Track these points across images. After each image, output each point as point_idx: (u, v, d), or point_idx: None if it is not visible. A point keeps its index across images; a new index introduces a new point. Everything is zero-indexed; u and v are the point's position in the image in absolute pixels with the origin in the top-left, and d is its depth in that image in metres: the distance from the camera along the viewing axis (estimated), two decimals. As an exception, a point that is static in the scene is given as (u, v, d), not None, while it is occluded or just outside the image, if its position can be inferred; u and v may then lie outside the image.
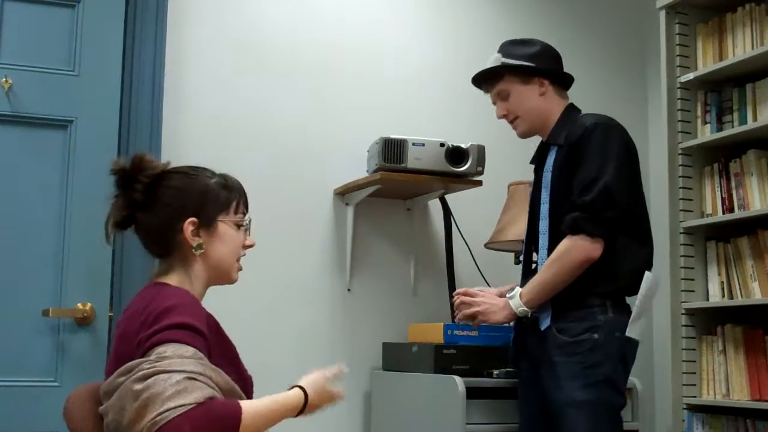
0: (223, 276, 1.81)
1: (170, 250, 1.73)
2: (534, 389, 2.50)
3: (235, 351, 1.77)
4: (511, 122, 2.63)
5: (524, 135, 2.65)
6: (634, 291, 2.44)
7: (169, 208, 1.71)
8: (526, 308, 2.43)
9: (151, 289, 1.69)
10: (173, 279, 1.74)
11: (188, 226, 1.71)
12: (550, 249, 2.42)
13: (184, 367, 1.46)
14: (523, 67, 2.56)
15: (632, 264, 2.43)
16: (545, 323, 2.43)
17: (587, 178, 2.38)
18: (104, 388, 1.58)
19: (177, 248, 1.73)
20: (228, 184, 1.81)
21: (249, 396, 1.73)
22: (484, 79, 2.66)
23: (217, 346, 1.65)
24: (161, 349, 1.49)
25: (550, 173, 2.48)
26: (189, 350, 1.50)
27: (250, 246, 1.85)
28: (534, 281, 2.43)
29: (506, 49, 2.62)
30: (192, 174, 1.78)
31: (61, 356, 2.80)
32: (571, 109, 2.59)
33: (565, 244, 2.37)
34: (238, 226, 1.81)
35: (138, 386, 1.45)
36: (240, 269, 1.84)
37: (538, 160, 2.62)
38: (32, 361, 2.78)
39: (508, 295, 2.48)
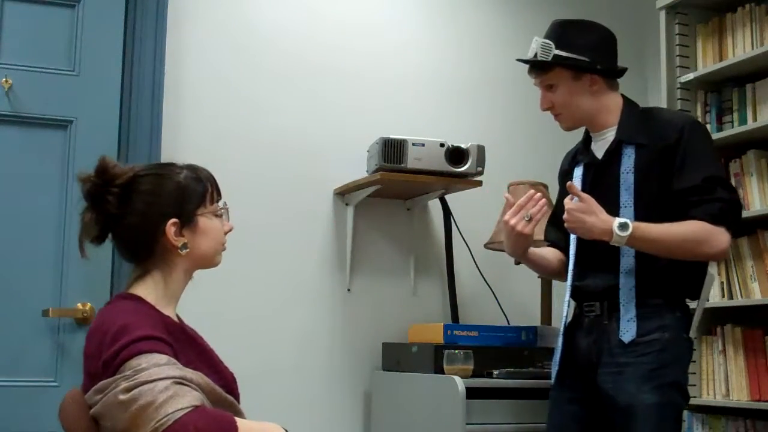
0: (206, 264, 1.76)
1: (150, 254, 1.69)
2: (580, 395, 2.35)
3: (209, 351, 1.74)
4: (555, 116, 2.44)
5: (569, 129, 2.46)
6: (698, 290, 2.35)
7: (147, 214, 1.67)
8: (624, 235, 2.15)
9: (108, 306, 1.66)
10: (149, 284, 1.69)
11: (170, 228, 1.67)
12: (638, 256, 2.26)
13: (166, 374, 1.45)
14: (577, 62, 2.35)
15: (701, 264, 2.35)
16: (630, 335, 2.25)
17: (708, 175, 2.24)
18: (87, 401, 1.57)
19: (158, 251, 1.69)
20: (199, 175, 1.76)
21: (234, 393, 1.71)
22: (530, 66, 2.42)
23: (185, 350, 1.62)
24: (134, 363, 1.47)
25: (631, 174, 2.30)
26: (162, 358, 1.48)
27: (230, 230, 1.80)
28: (659, 228, 2.20)
29: (560, 35, 2.37)
30: (161, 173, 1.73)
31: (61, 356, 2.81)
32: (631, 104, 2.44)
33: (708, 228, 2.19)
34: (216, 215, 1.76)
35: (123, 397, 1.43)
36: (224, 250, 1.80)
37: (609, 157, 2.37)
38: (32, 361, 2.79)
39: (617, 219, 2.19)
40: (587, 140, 2.47)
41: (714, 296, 3.11)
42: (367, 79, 3.47)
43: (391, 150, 3.12)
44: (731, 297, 3.05)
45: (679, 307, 2.31)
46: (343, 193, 3.35)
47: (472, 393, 2.70)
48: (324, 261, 3.34)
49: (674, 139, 2.29)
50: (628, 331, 2.26)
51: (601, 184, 2.35)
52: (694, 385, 3.11)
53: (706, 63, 3.21)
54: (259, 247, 3.23)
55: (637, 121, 2.38)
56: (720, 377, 3.04)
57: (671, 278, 2.29)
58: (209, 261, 1.77)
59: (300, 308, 3.27)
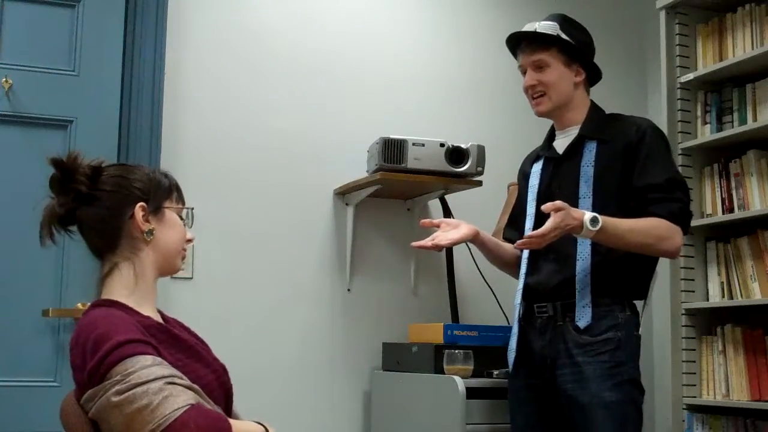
0: (169, 263, 1.73)
1: (117, 241, 1.67)
2: (538, 394, 2.40)
3: (196, 345, 1.71)
4: (536, 97, 2.48)
5: (543, 114, 2.50)
6: (647, 289, 2.42)
7: (117, 195, 1.66)
8: (593, 228, 2.17)
9: (85, 316, 1.63)
10: (118, 280, 1.67)
11: (139, 210, 1.66)
12: (594, 246, 2.31)
13: (156, 374, 1.44)
14: (575, 48, 2.45)
15: (653, 264, 2.42)
16: (585, 320, 2.30)
17: (670, 176, 2.34)
18: (83, 407, 1.56)
19: (124, 238, 1.67)
20: (166, 174, 1.77)
21: (226, 384, 1.69)
22: (528, 41, 2.48)
23: (170, 349, 1.61)
24: (120, 368, 1.45)
25: (591, 168, 2.37)
26: (147, 359, 1.47)
27: (191, 240, 1.79)
28: (623, 222, 2.25)
29: (564, 24, 2.48)
30: (129, 165, 1.78)
31: (61, 356, 2.80)
32: (598, 108, 2.53)
33: (670, 226, 2.29)
34: (180, 216, 1.75)
35: (116, 399, 1.43)
36: (184, 258, 1.78)
37: (570, 151, 2.45)
38: (32, 361, 2.79)
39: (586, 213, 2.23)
40: (551, 137, 2.56)
41: (714, 296, 3.12)
42: (367, 80, 3.47)
43: (391, 150, 3.12)
44: (731, 297, 3.05)
45: (629, 305, 2.37)
46: (343, 193, 3.34)
47: (472, 393, 2.70)
48: (324, 261, 3.34)
49: (637, 138, 2.39)
50: (583, 317, 2.31)
51: (560, 178, 2.45)
52: (694, 385, 3.11)
53: (706, 63, 3.21)
54: (260, 247, 3.23)
55: (602, 121, 2.49)
56: (720, 377, 3.04)
57: (624, 276, 2.34)
58: (172, 259, 1.74)
59: (300, 308, 3.27)
